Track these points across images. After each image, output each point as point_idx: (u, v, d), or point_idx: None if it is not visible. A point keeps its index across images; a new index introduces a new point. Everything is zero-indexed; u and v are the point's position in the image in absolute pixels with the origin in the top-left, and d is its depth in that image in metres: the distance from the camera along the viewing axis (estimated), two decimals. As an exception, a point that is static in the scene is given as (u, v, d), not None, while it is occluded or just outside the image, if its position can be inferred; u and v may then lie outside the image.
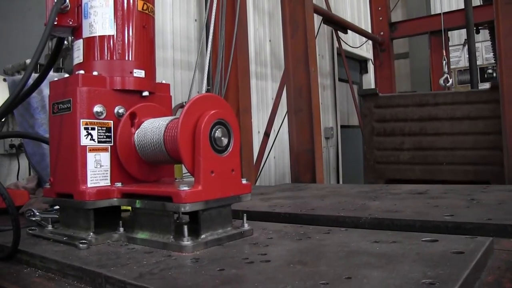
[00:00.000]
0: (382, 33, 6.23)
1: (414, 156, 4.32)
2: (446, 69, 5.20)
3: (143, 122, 1.33)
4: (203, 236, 1.14)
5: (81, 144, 1.23)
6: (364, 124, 4.68)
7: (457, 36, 7.76)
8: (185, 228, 1.11)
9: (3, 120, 2.52)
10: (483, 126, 3.94)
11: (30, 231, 1.38)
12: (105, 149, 1.28)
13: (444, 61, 5.22)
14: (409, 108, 4.34)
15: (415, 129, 4.31)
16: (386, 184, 4.59)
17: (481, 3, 5.86)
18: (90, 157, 1.25)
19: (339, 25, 5.96)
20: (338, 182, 7.06)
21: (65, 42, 1.94)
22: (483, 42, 7.29)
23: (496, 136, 3.62)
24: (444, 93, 4.49)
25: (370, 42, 6.83)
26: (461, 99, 4.12)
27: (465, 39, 6.01)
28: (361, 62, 8.44)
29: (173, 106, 1.78)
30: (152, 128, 1.28)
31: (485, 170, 3.93)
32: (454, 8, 6.82)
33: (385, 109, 4.48)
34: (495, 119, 3.64)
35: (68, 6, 1.32)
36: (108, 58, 1.33)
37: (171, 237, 1.13)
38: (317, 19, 4.92)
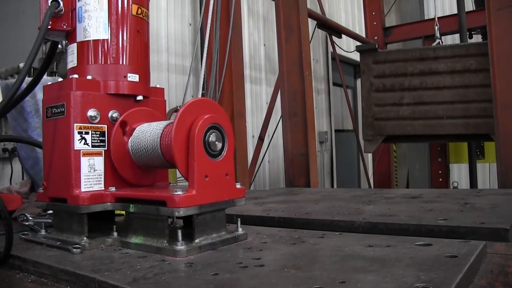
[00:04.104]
0: (376, 37, 6.24)
1: (414, 111, 4.24)
2: (438, 34, 5.13)
3: (138, 126, 1.33)
4: (197, 240, 1.14)
5: (75, 148, 1.23)
6: (362, 82, 4.59)
7: (451, 41, 7.81)
8: (179, 232, 1.10)
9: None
10: (483, 78, 3.87)
11: (23, 236, 1.37)
12: (99, 154, 1.28)
13: (436, 26, 5.15)
14: (409, 63, 4.27)
15: (415, 83, 4.23)
16: (384, 142, 4.55)
17: (474, 8, 5.90)
18: (84, 161, 1.25)
19: (334, 30, 5.97)
20: (332, 186, 7.08)
21: (59, 46, 1.93)
22: (476, 47, 7.34)
23: None
24: (444, 46, 4.42)
25: (364, 46, 6.85)
26: (462, 52, 4.07)
27: (459, 44, 6.04)
28: (356, 67, 8.46)
29: (167, 110, 1.77)
30: (147, 132, 1.28)
31: (485, 123, 3.86)
32: (447, 13, 6.86)
33: (384, 64, 4.40)
34: None
35: (62, 10, 1.32)
36: (102, 62, 1.33)
37: (165, 241, 1.13)
38: (311, 23, 4.93)
